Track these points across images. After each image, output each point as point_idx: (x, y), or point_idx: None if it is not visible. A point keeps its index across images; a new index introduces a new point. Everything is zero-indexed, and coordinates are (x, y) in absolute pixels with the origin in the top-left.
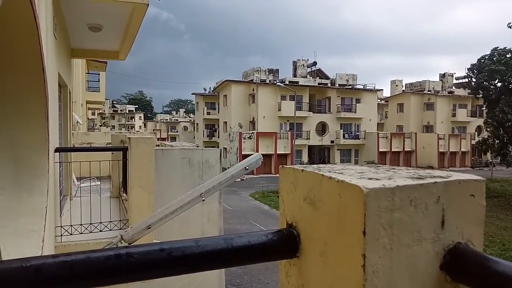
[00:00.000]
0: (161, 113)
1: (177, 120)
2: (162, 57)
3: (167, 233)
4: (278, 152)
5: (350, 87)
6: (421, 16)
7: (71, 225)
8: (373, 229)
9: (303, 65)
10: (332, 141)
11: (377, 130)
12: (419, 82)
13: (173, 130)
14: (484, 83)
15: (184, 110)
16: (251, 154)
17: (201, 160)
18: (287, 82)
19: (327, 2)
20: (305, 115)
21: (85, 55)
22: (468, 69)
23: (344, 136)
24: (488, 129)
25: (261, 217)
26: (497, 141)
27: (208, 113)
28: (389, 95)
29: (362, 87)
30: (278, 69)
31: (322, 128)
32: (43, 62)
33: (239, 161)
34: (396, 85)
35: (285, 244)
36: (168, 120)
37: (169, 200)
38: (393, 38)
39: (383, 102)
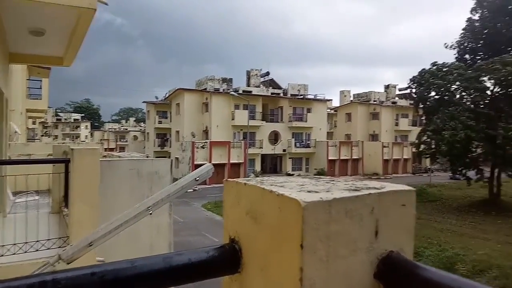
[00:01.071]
0: (109, 122)
1: (126, 129)
2: (114, 63)
3: (113, 249)
4: (231, 161)
5: (302, 97)
6: (368, 30)
7: (2, 245)
8: (311, 242)
9: (257, 75)
10: (284, 150)
11: (327, 139)
12: (366, 92)
13: (122, 140)
14: (424, 94)
15: (134, 119)
16: (204, 164)
17: (151, 171)
18: (240, 91)
19: (279, 13)
20: (258, 124)
21: (26, 61)
22: (410, 80)
23: (295, 145)
24: (426, 138)
25: (214, 228)
26: (432, 148)
27: (160, 122)
28: (338, 105)
29: (312, 97)
30: (231, 78)
31: (274, 137)
32: None
33: (192, 171)
34: (345, 95)
35: (227, 260)
36: (117, 129)
37: (116, 214)
38: (342, 49)
39: (332, 111)
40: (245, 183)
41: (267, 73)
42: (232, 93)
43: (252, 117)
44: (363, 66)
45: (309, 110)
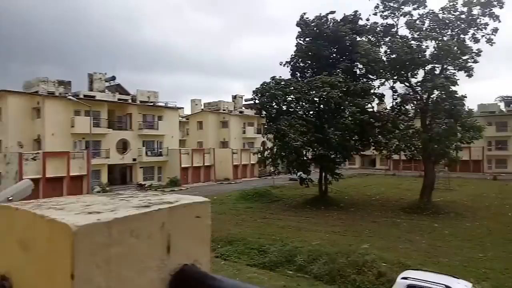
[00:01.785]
0: None
1: None
2: None
3: None
4: (71, 174)
5: (152, 104)
6: (217, 42)
7: None
8: (85, 270)
9: (101, 78)
10: (134, 159)
11: (179, 147)
12: (216, 102)
13: None
14: (266, 105)
15: None
16: (35, 179)
17: None
18: (81, 96)
19: (127, 16)
20: (104, 132)
21: None
22: (253, 91)
23: (146, 154)
24: (269, 145)
25: None
26: (271, 154)
27: None
28: (190, 113)
29: (164, 104)
30: (70, 81)
31: (123, 146)
32: None
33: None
34: (196, 104)
35: None
36: None
37: None
38: (193, 59)
39: (184, 119)
40: (17, 208)
41: (113, 78)
42: (71, 97)
43: (96, 124)
44: (213, 76)
45: (160, 118)
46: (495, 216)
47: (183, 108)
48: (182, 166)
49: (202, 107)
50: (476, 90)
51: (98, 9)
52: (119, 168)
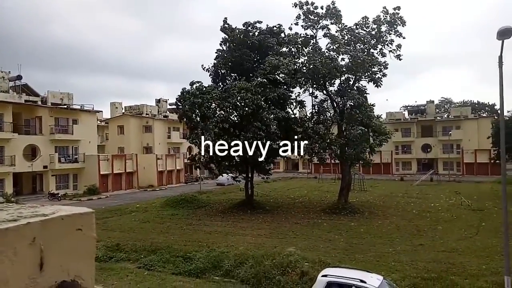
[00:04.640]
0: None
1: None
2: None
3: None
4: None
5: (66, 106)
6: (138, 44)
7: None
8: None
9: (3, 77)
10: (45, 166)
11: (98, 153)
12: (138, 105)
13: None
14: (187, 111)
15: None
16: None
17: None
18: None
19: (33, 11)
20: (8, 137)
21: None
22: (176, 98)
23: (60, 160)
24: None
25: None
26: (203, 158)
27: None
28: (109, 117)
29: (79, 107)
30: None
31: (32, 152)
32: None
33: None
34: (116, 107)
35: None
36: None
37: None
38: (112, 60)
39: (103, 123)
40: None
41: (19, 77)
42: None
43: None
44: (135, 79)
45: (75, 122)
46: (402, 213)
47: (101, 111)
48: (101, 173)
49: (123, 110)
50: (384, 99)
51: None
52: (28, 176)
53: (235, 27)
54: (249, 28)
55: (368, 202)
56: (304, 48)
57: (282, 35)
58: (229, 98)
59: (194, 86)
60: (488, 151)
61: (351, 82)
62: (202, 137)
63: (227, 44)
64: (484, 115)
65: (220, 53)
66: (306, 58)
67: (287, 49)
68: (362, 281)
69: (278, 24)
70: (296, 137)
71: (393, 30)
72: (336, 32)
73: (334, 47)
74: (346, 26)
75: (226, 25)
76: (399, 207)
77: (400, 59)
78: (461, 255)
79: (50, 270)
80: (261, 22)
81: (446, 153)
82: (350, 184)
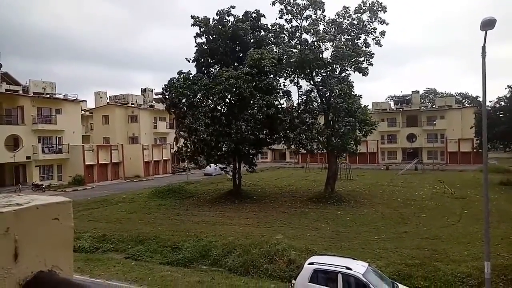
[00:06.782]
0: None
1: None
2: None
3: None
4: None
5: (48, 96)
6: (123, 32)
7: None
8: None
9: None
10: (28, 157)
11: (83, 143)
12: (123, 95)
13: None
14: (174, 101)
15: None
16: None
17: None
18: None
19: None
20: None
21: None
22: (162, 88)
23: (43, 151)
24: (184, 141)
25: None
26: (189, 150)
27: None
28: (94, 107)
29: (62, 96)
30: None
31: (14, 142)
32: None
33: None
34: (101, 97)
35: None
36: None
37: None
38: (96, 49)
39: (88, 113)
40: None
41: None
42: None
43: None
44: (120, 68)
45: (58, 111)
46: (387, 202)
47: (85, 101)
48: (86, 163)
49: (108, 100)
50: (371, 89)
51: None
52: (10, 167)
53: (208, 18)
54: (224, 15)
55: (354, 191)
56: (291, 40)
57: (263, 19)
58: (218, 85)
59: (182, 76)
60: (471, 140)
61: (336, 72)
62: (191, 126)
63: (204, 36)
64: (467, 105)
65: (199, 46)
66: (290, 49)
67: (272, 37)
68: (348, 268)
69: (256, 10)
70: (283, 127)
71: (374, 17)
72: (318, 21)
73: (317, 38)
74: (329, 18)
75: (197, 19)
76: (385, 196)
77: (380, 46)
78: (444, 242)
79: (25, 260)
80: (234, 7)
81: (430, 143)
82: (337, 173)
